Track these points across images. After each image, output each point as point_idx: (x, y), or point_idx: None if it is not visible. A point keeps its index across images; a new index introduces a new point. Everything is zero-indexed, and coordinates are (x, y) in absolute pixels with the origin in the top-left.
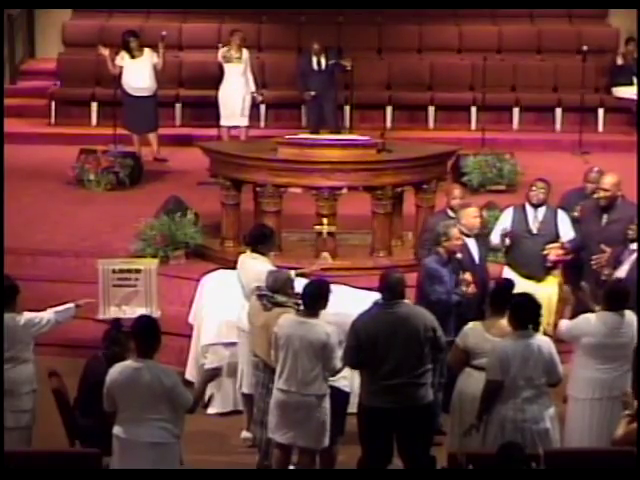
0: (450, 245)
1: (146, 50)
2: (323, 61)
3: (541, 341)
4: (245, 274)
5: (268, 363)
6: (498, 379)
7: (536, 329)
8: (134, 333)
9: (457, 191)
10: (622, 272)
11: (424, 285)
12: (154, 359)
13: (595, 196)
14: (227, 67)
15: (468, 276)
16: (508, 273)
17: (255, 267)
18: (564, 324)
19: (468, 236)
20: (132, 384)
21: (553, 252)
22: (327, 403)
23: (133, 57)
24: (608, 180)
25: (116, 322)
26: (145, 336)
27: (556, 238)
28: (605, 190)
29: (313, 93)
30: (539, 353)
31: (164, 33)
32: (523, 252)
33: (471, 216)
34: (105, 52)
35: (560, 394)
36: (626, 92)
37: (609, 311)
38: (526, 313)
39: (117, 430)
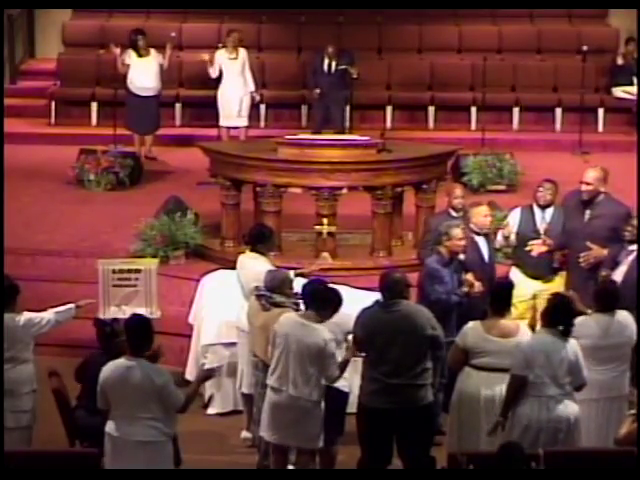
0: (452, 245)
1: (152, 50)
2: (334, 64)
3: (567, 341)
4: (244, 274)
5: (267, 363)
6: (521, 374)
7: (566, 333)
8: (126, 332)
9: (458, 190)
10: (620, 273)
11: (424, 285)
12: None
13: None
14: (225, 67)
15: (470, 276)
16: (515, 273)
17: (254, 267)
18: None
19: (478, 234)
20: (123, 382)
21: (535, 248)
22: (320, 408)
23: (140, 56)
24: (591, 174)
25: (98, 321)
26: (137, 334)
27: None
28: (587, 184)
29: (319, 91)
30: (564, 353)
31: (173, 34)
32: (530, 252)
33: (482, 215)
34: (117, 50)
35: None
36: (625, 93)
37: (601, 312)
38: (561, 315)
39: (109, 428)
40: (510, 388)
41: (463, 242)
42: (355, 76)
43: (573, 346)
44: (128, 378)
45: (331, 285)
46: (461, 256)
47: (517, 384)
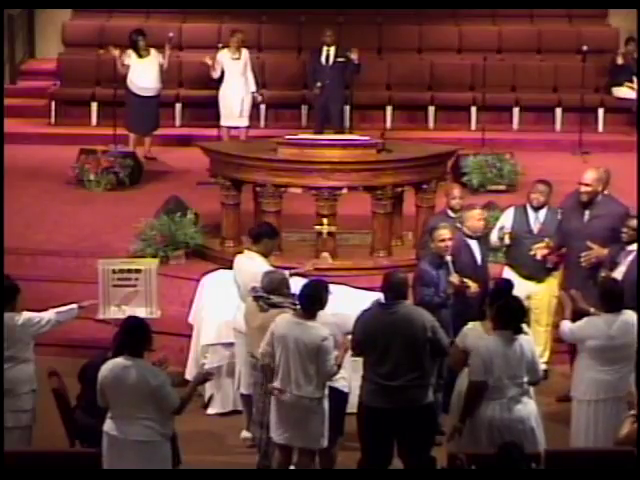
0: (435, 247)
1: (152, 50)
2: (332, 55)
3: (522, 340)
4: (241, 275)
5: None
6: (481, 379)
7: (517, 332)
8: (124, 332)
9: (456, 191)
10: (619, 273)
11: (413, 285)
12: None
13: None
14: (227, 68)
15: (454, 278)
16: (508, 273)
17: (251, 268)
18: (567, 326)
19: (471, 237)
20: (120, 382)
21: (539, 251)
22: (323, 406)
23: (140, 56)
24: (589, 175)
25: None
26: (134, 335)
27: None
28: (586, 185)
29: (319, 84)
30: (521, 352)
31: (171, 34)
32: (524, 253)
33: (475, 218)
34: (115, 52)
35: (553, 392)
36: (626, 92)
37: (608, 312)
38: (511, 315)
39: (107, 427)
40: (469, 394)
41: (445, 243)
42: (357, 61)
43: (528, 342)
44: (124, 378)
45: (314, 280)
46: (448, 257)
47: (477, 390)
